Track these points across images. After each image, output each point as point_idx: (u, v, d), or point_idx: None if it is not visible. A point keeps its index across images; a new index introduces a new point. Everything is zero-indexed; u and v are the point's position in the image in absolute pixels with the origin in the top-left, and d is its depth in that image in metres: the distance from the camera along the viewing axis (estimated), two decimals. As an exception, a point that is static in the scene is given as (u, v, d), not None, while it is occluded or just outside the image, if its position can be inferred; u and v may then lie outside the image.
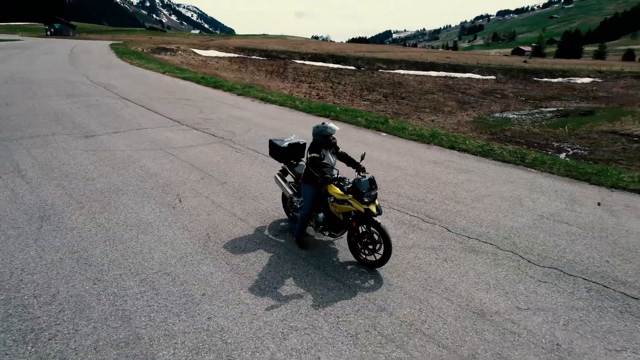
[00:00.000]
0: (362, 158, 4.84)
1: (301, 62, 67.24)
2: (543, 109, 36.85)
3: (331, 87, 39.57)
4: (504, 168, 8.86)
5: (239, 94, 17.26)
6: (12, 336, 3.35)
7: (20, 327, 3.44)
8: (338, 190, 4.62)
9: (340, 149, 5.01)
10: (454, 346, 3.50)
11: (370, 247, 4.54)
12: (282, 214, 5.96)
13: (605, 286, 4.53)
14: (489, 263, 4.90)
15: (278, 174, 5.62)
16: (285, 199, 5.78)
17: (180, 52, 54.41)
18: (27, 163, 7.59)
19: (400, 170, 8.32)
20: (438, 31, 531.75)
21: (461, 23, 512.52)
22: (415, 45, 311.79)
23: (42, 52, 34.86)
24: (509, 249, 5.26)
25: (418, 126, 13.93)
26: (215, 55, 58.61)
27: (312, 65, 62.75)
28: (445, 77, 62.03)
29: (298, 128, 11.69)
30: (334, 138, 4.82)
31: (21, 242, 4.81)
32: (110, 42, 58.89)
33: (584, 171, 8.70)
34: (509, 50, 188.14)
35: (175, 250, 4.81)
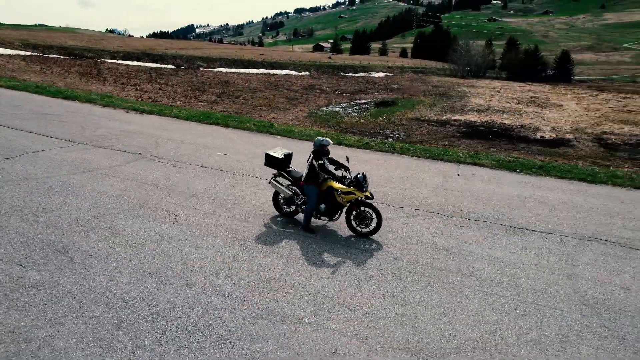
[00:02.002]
0: (348, 161, 6.70)
1: (113, 61, 61.56)
2: (358, 101, 43.17)
3: (160, 89, 38.34)
4: (386, 156, 11.73)
5: (104, 106, 16.32)
6: (176, 331, 4.17)
7: (174, 326, 4.25)
8: (341, 185, 6.38)
9: (331, 156, 6.75)
10: (446, 267, 5.79)
11: (367, 222, 6.47)
12: (270, 212, 7.31)
13: (491, 222, 7.49)
14: (428, 221, 7.38)
15: (273, 179, 6.96)
16: (276, 198, 7.16)
17: (-53, 49, 43.90)
18: (-45, 204, 6.85)
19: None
20: (242, 26, 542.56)
21: (263, 19, 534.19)
22: (221, 41, 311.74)
23: None
24: (431, 211, 7.86)
25: (303, 128, 16.07)
26: (-1, 52, 48.96)
27: (128, 65, 58.28)
28: (266, 74, 65.50)
29: (200, 138, 12.46)
30: (328, 149, 6.53)
31: (74, 274, 5.09)
32: None
33: (435, 153, 12.24)
34: (310, 45, 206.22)
35: (221, 252, 5.81)
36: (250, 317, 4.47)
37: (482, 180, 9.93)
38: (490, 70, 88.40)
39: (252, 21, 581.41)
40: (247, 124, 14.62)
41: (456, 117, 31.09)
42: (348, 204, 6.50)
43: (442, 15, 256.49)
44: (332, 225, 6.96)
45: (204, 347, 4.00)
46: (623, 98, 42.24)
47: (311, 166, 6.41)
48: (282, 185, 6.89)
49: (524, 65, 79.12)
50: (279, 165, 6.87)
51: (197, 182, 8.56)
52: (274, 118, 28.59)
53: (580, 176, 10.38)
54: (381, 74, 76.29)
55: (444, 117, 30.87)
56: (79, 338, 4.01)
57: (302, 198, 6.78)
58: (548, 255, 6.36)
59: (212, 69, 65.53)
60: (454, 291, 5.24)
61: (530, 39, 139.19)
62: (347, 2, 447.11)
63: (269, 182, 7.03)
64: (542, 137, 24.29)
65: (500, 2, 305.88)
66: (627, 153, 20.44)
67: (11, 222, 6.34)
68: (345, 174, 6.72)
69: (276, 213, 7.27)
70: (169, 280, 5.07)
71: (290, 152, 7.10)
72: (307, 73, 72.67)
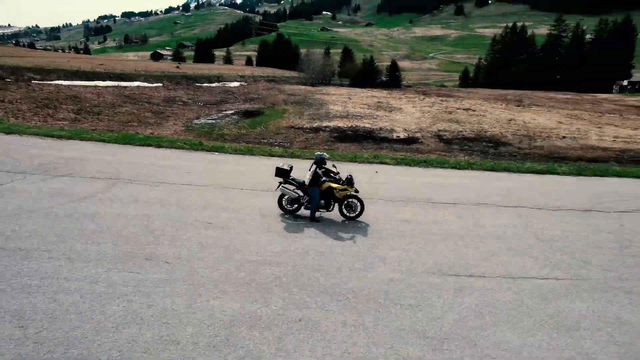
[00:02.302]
0: (335, 167, 9.39)
1: None
2: (225, 112, 44.33)
3: (-1, 107, 33.94)
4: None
5: (7, 133, 15.29)
6: (294, 289, 6.35)
7: (290, 287, 6.41)
8: (337, 185, 9.04)
9: (326, 166, 9.32)
10: (416, 230, 8.98)
11: (354, 208, 9.26)
12: (275, 212, 9.48)
13: (418, 201, 10.99)
14: (380, 205, 10.51)
15: (282, 185, 9.18)
16: (280, 200, 9.39)
17: None
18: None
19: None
20: (57, 29, 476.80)
21: (84, 22, 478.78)
22: (32, 45, 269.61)
23: None
24: (377, 198, 11.03)
25: (233, 144, 17.72)
26: None
27: None
28: (117, 87, 61.35)
29: (150, 158, 13.43)
30: (326, 160, 9.11)
31: (184, 270, 6.64)
32: None
33: (349, 156, 15.59)
34: (147, 53, 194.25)
35: (272, 241, 7.91)
36: (332, 273, 6.89)
37: (395, 173, 13.61)
38: (334, 78, 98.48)
39: (71, 24, 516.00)
40: (179, 143, 15.79)
41: (325, 123, 35.53)
42: (342, 197, 9.21)
43: (278, 24, 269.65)
44: (326, 215, 9.55)
45: (315, 294, 6.32)
46: (443, 101, 53.10)
47: (315, 173, 8.91)
48: (290, 190, 9.19)
49: (362, 73, 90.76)
50: (286, 174, 9.18)
51: (198, 200, 9.97)
52: (151, 133, 28.48)
53: (451, 165, 14.94)
54: (236, 84, 78.35)
55: (315, 125, 34.98)
56: (239, 302, 5.91)
57: (305, 197, 9.20)
58: (465, 216, 10.09)
59: (49, 82, 58.37)
60: (432, 242, 8.47)
61: (360, 48, 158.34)
62: (181, 8, 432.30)
63: (277, 188, 9.28)
64: (398, 136, 30.09)
65: (329, 14, 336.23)
66: (458, 146, 27.13)
67: (78, 246, 7.26)
68: (336, 177, 9.38)
69: (281, 212, 9.50)
70: (258, 261, 7.08)
71: (292, 165, 9.47)
72: (160, 84, 70.28)
